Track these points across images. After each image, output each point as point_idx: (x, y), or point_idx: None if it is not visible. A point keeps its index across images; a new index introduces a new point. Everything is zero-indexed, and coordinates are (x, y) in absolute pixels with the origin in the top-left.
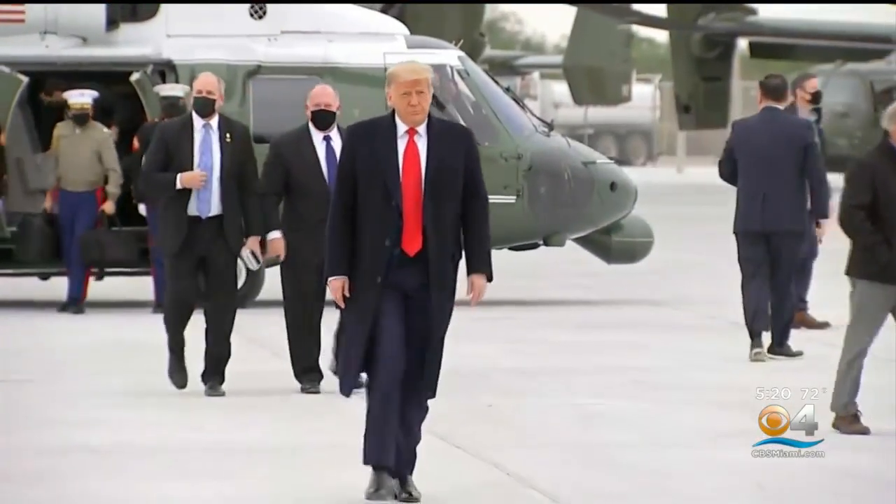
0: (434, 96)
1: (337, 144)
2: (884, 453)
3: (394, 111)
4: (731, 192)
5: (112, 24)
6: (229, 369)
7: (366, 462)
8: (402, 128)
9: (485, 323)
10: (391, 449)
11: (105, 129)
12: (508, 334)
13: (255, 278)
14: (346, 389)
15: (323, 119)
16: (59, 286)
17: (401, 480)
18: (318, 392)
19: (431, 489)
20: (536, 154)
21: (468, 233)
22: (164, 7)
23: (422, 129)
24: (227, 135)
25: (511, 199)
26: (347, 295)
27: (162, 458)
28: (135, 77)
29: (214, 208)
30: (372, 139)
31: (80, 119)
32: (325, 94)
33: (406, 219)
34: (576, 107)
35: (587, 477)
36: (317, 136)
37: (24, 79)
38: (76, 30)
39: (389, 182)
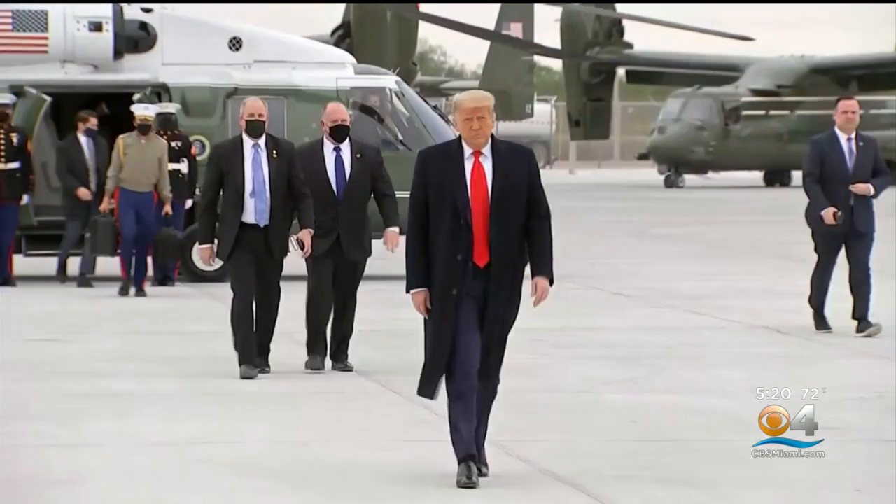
0: (376, 112)
1: (346, 156)
2: (714, 394)
3: (460, 136)
4: (612, 189)
5: (118, 54)
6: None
7: (458, 455)
8: (468, 150)
9: None
10: (473, 441)
11: (162, 139)
12: None
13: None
14: (428, 391)
15: (341, 133)
16: (75, 264)
17: (467, 465)
18: (351, 370)
19: (373, 426)
20: None
21: (532, 244)
22: (159, 41)
23: (486, 150)
24: (274, 151)
25: None
26: (429, 307)
27: (167, 401)
28: (136, 97)
29: (264, 218)
30: (441, 162)
31: (144, 129)
32: (340, 111)
33: (475, 234)
34: None
35: (501, 416)
36: (328, 148)
37: (48, 98)
38: (89, 59)
39: (459, 201)
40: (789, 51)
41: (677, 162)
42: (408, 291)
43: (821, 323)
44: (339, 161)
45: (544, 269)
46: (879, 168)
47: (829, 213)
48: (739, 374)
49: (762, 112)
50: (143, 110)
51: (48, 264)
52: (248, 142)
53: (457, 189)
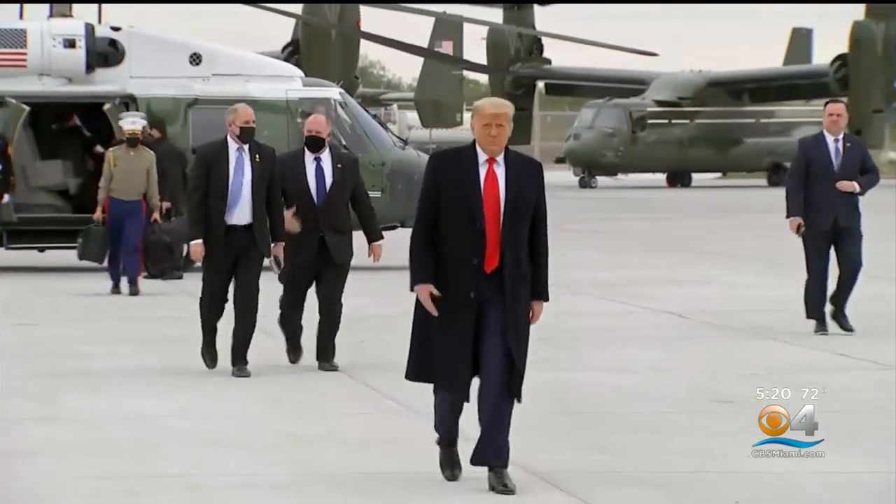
0: None
1: (326, 165)
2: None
3: (474, 141)
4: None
5: (90, 68)
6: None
7: (441, 442)
8: (482, 157)
9: (359, 283)
10: (457, 433)
11: (150, 151)
12: (375, 290)
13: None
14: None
15: (314, 143)
16: (52, 256)
17: (496, 473)
18: (336, 369)
19: (317, 401)
20: (395, 162)
21: (531, 259)
22: (127, 56)
23: (500, 158)
24: (257, 156)
25: (377, 193)
26: (436, 301)
27: (137, 380)
28: (106, 107)
29: (246, 218)
30: (455, 166)
31: (133, 142)
32: (318, 123)
33: (487, 239)
34: (423, 129)
35: (428, 396)
36: (308, 157)
37: (27, 108)
38: (64, 72)
39: (474, 206)
40: (689, 66)
41: (590, 165)
42: (413, 286)
43: (820, 325)
44: (319, 170)
45: (542, 292)
46: (869, 167)
47: (793, 223)
48: (645, 354)
49: (665, 121)
50: (131, 124)
51: (29, 257)
52: (232, 146)
53: (471, 194)
